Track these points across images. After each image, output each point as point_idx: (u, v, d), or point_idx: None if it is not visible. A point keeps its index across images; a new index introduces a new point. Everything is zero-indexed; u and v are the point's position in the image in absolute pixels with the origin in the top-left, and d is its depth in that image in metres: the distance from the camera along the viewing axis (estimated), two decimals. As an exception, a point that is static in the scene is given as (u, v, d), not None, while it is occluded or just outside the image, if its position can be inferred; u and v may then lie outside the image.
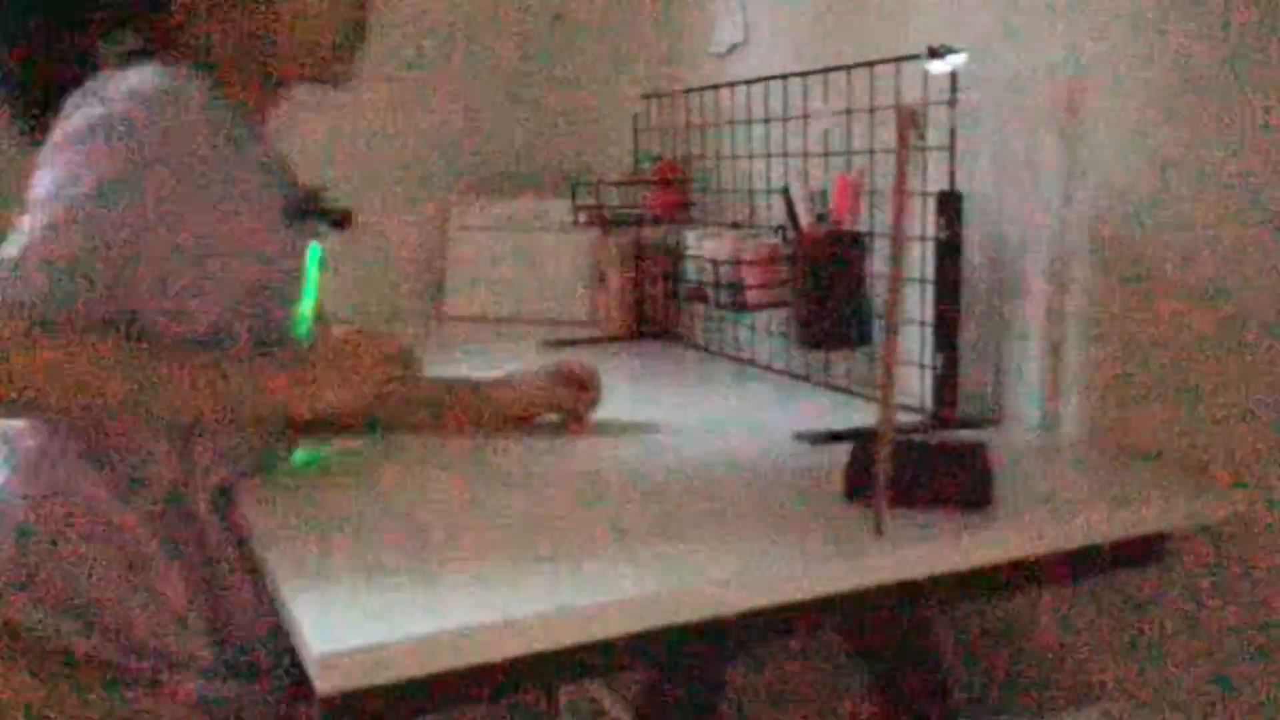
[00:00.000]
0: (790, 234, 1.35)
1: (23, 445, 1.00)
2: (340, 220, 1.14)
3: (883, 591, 0.89)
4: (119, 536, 0.99)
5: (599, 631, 0.77)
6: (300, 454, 1.18)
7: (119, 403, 0.91)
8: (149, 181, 0.93)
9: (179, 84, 0.97)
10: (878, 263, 1.37)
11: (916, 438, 1.16)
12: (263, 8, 1.05)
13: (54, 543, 0.98)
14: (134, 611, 0.99)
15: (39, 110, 1.05)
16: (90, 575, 0.98)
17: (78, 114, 0.95)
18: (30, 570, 0.98)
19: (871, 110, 1.37)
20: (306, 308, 1.12)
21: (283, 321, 1.08)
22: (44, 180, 0.93)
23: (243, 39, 1.06)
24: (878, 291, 1.38)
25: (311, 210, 1.11)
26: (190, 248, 0.97)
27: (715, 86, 1.64)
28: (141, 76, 0.96)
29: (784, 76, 1.48)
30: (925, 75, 1.23)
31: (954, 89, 1.20)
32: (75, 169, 0.92)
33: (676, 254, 1.90)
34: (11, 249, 0.91)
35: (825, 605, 0.87)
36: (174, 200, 0.95)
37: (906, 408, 1.29)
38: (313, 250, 1.12)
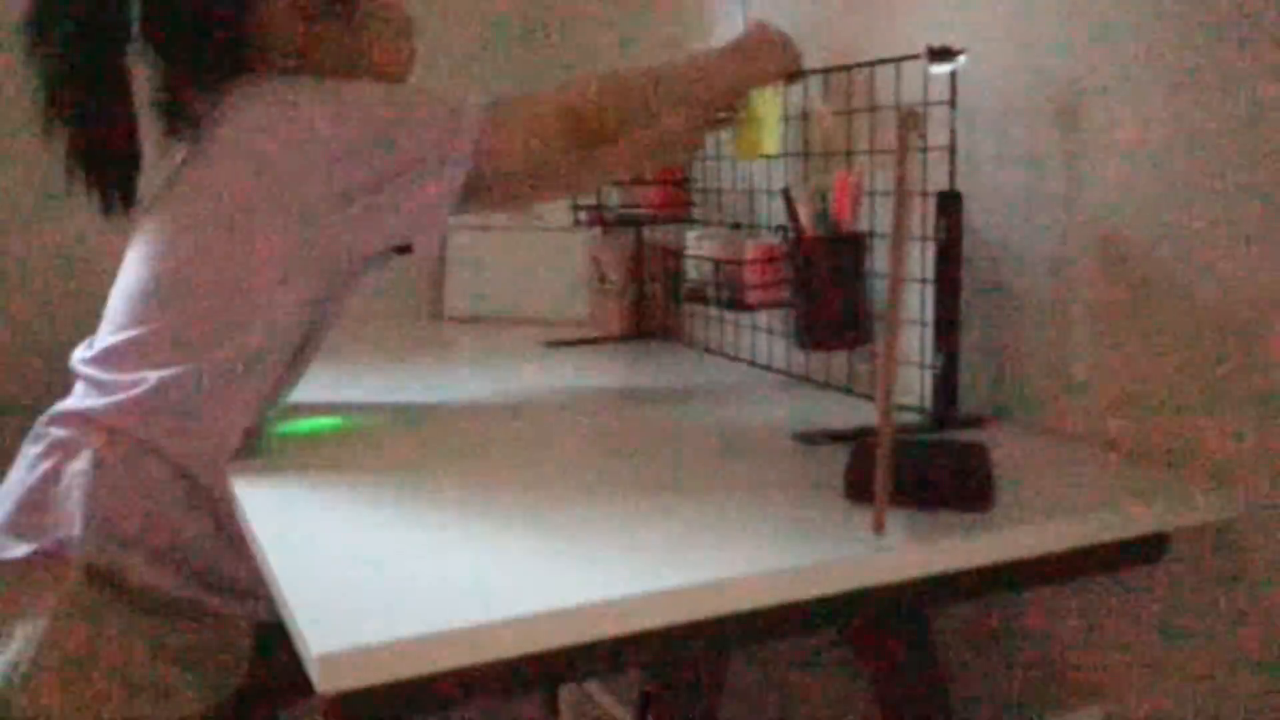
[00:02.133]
0: (790, 234, 1.35)
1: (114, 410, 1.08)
2: None
3: (883, 591, 0.88)
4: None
5: (599, 631, 0.77)
6: (284, 426, 1.26)
7: (643, 102, 1.23)
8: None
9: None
10: (878, 263, 1.37)
11: (916, 438, 1.16)
12: (360, 29, 1.21)
13: (152, 498, 1.07)
14: (221, 554, 1.10)
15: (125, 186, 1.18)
16: (186, 529, 1.09)
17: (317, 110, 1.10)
18: (128, 522, 1.05)
19: (871, 110, 1.37)
20: None
21: None
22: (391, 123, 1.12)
23: (339, 60, 1.20)
24: (878, 291, 1.38)
25: None
26: None
27: (715, 86, 1.63)
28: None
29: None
30: (925, 75, 1.23)
31: (954, 89, 1.20)
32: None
33: (676, 254, 1.90)
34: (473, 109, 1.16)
35: (825, 605, 0.87)
36: None
37: (906, 408, 1.29)
38: None
